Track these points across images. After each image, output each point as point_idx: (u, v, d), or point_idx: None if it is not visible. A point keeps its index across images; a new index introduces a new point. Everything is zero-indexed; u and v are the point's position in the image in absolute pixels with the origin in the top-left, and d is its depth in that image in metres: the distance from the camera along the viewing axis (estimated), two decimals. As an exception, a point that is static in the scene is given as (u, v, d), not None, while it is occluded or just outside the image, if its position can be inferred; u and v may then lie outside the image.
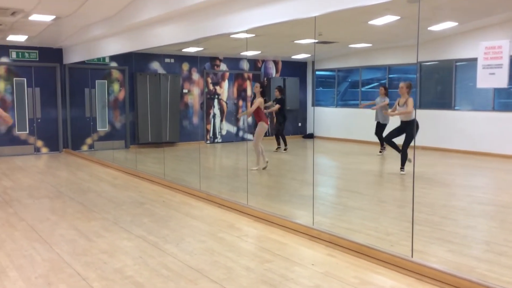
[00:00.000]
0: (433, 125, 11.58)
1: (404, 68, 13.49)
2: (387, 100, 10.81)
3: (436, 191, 7.24)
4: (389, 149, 11.83)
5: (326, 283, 3.67)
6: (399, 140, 8.30)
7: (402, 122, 8.39)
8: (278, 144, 11.98)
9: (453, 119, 11.67)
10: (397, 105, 8.50)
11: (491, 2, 8.50)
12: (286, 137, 12.19)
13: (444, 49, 11.86)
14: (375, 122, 11.14)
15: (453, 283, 3.56)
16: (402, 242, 4.53)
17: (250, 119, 15.16)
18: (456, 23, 10.05)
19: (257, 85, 8.88)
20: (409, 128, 8.05)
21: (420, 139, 10.57)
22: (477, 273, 3.80)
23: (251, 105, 15.13)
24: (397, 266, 3.96)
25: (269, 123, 8.90)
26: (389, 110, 8.81)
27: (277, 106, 11.43)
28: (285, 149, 11.80)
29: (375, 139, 11.40)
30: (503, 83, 3.78)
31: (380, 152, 11.10)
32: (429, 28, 10.00)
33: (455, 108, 11.82)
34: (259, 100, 8.71)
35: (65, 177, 8.81)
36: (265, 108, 10.98)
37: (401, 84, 8.43)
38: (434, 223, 5.41)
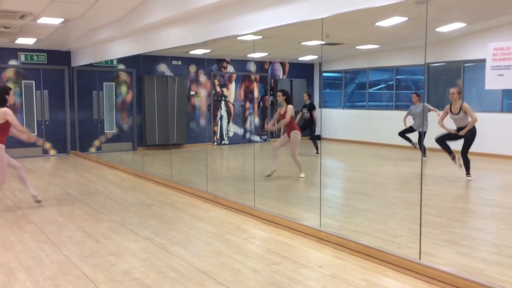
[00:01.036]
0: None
1: (411, 69, 13.44)
2: (428, 106, 10.26)
3: (444, 193, 7.20)
4: (389, 151, 11.79)
5: (333, 286, 3.65)
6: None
7: (459, 128, 7.87)
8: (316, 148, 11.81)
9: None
10: (450, 112, 7.89)
11: (499, 3, 8.45)
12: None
13: (452, 50, 11.80)
14: (407, 126, 10.57)
15: (461, 286, 3.54)
16: (410, 244, 4.51)
17: (256, 120, 15.16)
18: (464, 24, 10.00)
19: (279, 94, 8.31)
20: (468, 133, 7.71)
21: (427, 140, 10.53)
22: (486, 275, 3.77)
23: (258, 107, 15.19)
24: (405, 268, 3.94)
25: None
26: (439, 119, 8.06)
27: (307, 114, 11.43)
28: (316, 153, 11.62)
29: (383, 141, 11.31)
30: (512, 84, 3.75)
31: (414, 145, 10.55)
32: (437, 29, 9.95)
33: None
34: (290, 108, 8.18)
35: (73, 179, 8.85)
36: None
37: (452, 90, 7.81)
38: (442, 225, 5.37)
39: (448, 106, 7.90)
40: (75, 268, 4.10)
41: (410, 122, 10.55)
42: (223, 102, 14.69)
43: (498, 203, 6.58)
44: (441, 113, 8.21)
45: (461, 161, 7.87)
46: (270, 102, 15.53)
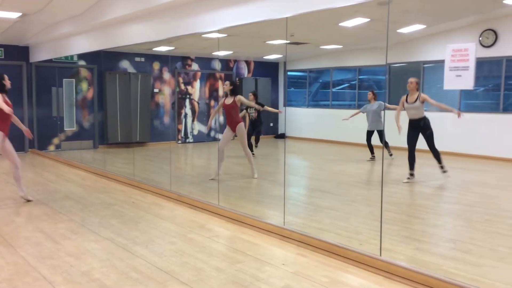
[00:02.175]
0: (401, 125, 11.78)
1: (373, 69, 13.70)
2: (384, 104, 10.28)
3: (404, 190, 7.37)
4: (352, 149, 12.00)
5: (296, 283, 3.68)
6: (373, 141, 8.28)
7: (414, 121, 7.76)
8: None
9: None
10: (406, 102, 7.76)
11: (457, 6, 8.72)
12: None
13: (412, 51, 12.10)
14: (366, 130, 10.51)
15: (420, 281, 3.63)
16: (371, 241, 4.59)
17: (221, 119, 15.11)
18: (424, 26, 10.26)
19: (228, 83, 8.12)
20: (424, 124, 7.68)
21: (388, 139, 10.77)
22: (443, 270, 3.88)
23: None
24: (366, 264, 4.01)
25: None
26: (396, 112, 8.00)
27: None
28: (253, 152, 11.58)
29: (346, 139, 11.47)
30: (469, 84, 3.87)
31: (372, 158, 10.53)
32: (398, 31, 10.18)
33: (423, 109, 12.04)
34: (239, 98, 7.97)
35: (30, 178, 8.58)
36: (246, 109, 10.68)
37: (411, 80, 7.70)
38: (402, 221, 5.50)
39: (404, 97, 7.84)
40: (32, 269, 3.97)
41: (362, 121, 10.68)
42: (187, 100, 14.57)
43: (455, 200, 6.79)
44: (396, 107, 8.26)
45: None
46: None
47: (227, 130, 8.13)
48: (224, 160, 8.26)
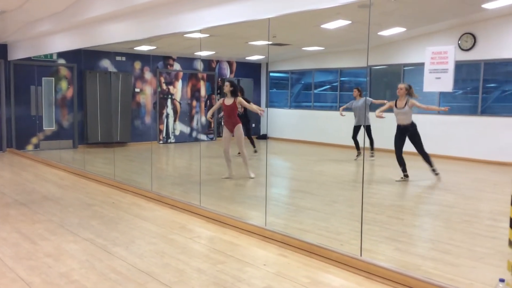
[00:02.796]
0: (382, 127, 11.90)
1: (355, 71, 13.81)
2: (370, 100, 10.55)
3: (384, 191, 7.44)
4: (333, 151, 12.08)
5: (277, 283, 3.68)
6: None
7: (403, 126, 7.97)
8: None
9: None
10: (395, 107, 8.01)
11: (437, 10, 8.85)
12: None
13: (392, 54, 12.23)
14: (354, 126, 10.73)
15: (400, 281, 3.67)
16: (351, 242, 4.62)
17: (203, 119, 15.05)
18: (404, 29, 10.40)
19: (228, 84, 8.13)
20: (412, 129, 7.90)
21: (385, 142, 10.85)
22: (422, 270, 3.92)
23: (205, 106, 15.08)
24: (347, 265, 4.03)
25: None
26: (378, 110, 8.28)
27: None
28: (255, 151, 11.59)
29: (327, 140, 11.55)
30: (448, 87, 3.93)
31: (358, 155, 10.72)
32: (378, 33, 10.29)
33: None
34: (240, 100, 8.10)
35: (8, 178, 8.42)
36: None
37: (400, 85, 8.01)
38: (382, 222, 5.55)
39: (394, 101, 8.10)
40: (9, 271, 3.90)
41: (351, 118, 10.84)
42: (169, 100, 14.48)
43: (434, 201, 6.89)
44: (383, 101, 8.95)
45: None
46: (217, 101, 15.44)
47: (225, 131, 8.17)
48: (231, 160, 8.29)
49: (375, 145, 10.68)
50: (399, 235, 5.09)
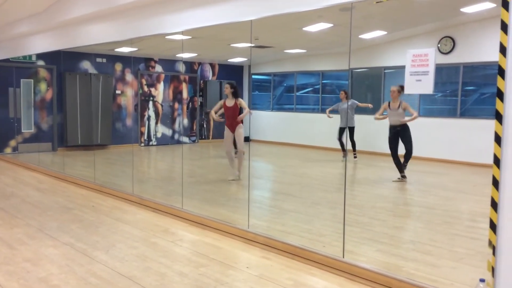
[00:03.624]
0: (363, 130, 12.00)
1: (336, 74, 13.90)
2: (356, 102, 10.83)
3: (365, 193, 7.49)
4: (315, 153, 12.14)
5: (260, 286, 3.67)
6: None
7: (395, 126, 8.19)
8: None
9: (381, 124, 12.14)
10: (388, 108, 8.23)
11: (417, 13, 8.96)
12: (222, 140, 12.01)
13: (373, 57, 12.34)
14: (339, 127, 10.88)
15: (382, 282, 3.69)
16: (334, 243, 4.63)
17: (185, 122, 14.97)
18: (385, 32, 10.50)
19: (227, 86, 8.26)
20: (404, 131, 8.10)
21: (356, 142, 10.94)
22: (404, 271, 3.95)
23: (187, 108, 15.01)
24: (330, 266, 4.04)
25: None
26: (376, 114, 8.62)
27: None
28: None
29: (309, 143, 11.61)
30: (429, 89, 3.96)
31: (344, 156, 10.81)
32: (360, 36, 10.36)
33: (384, 113, 12.31)
34: (241, 101, 8.16)
35: (-15, 182, 8.25)
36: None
37: (393, 88, 8.22)
38: (364, 224, 5.58)
39: (386, 103, 8.39)
40: (-15, 277, 3.81)
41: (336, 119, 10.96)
42: (151, 102, 14.37)
43: (415, 202, 6.96)
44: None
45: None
46: (199, 103, 15.39)
47: (227, 131, 8.24)
48: (234, 160, 8.31)
49: (358, 148, 10.77)
50: (381, 236, 5.12)
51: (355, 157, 10.76)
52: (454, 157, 10.77)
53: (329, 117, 10.89)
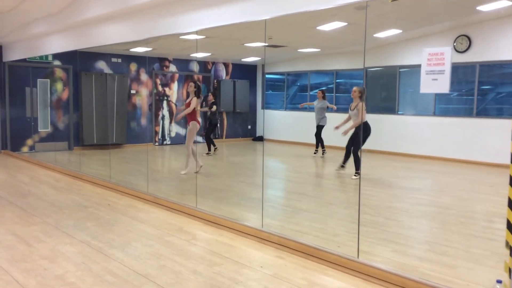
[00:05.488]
0: (378, 129, 11.91)
1: (351, 73, 13.83)
2: (327, 103, 11.59)
3: (380, 193, 7.45)
4: (328, 152, 12.10)
5: (274, 285, 3.67)
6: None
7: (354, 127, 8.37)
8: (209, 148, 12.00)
9: (397, 124, 12.08)
10: (350, 110, 8.52)
11: (433, 11, 8.88)
12: (236, 139, 12.33)
13: (388, 56, 12.26)
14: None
15: (397, 283, 3.66)
16: (348, 243, 4.62)
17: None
18: (400, 31, 10.41)
19: (192, 84, 8.72)
20: (356, 134, 8.25)
21: (366, 142, 10.88)
22: (420, 272, 3.92)
23: (200, 107, 15.04)
24: (344, 266, 4.03)
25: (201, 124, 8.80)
26: (342, 122, 8.82)
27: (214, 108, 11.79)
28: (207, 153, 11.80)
29: (324, 142, 11.64)
30: (445, 88, 3.92)
31: (315, 153, 11.73)
32: (374, 35, 10.30)
33: (399, 112, 12.24)
34: (195, 100, 8.55)
35: (3, 180, 8.37)
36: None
37: (354, 88, 8.49)
38: (379, 224, 5.55)
39: (351, 104, 8.62)
40: (5, 273, 3.87)
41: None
42: (165, 102, 14.45)
43: (431, 203, 6.90)
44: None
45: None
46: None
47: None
48: (196, 154, 8.72)
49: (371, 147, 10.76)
50: (396, 236, 5.08)
51: (323, 153, 11.57)
52: (470, 157, 10.65)
53: (301, 107, 12.35)
